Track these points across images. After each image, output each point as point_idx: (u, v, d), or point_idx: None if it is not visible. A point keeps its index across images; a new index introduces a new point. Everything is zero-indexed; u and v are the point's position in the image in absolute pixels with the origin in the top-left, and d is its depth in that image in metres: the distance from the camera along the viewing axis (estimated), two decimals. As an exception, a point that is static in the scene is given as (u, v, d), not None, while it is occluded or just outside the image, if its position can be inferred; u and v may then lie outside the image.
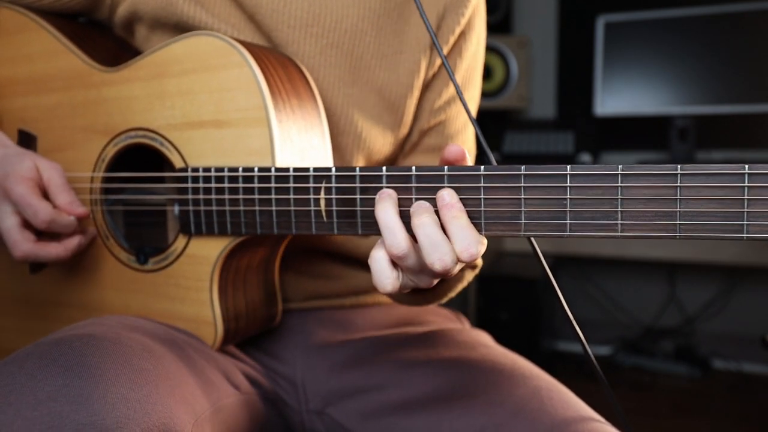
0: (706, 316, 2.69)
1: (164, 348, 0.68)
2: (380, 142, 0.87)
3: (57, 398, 0.54)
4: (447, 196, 0.59)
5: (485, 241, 0.60)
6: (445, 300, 0.82)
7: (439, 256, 0.57)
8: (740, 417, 2.21)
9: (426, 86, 0.89)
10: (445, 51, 0.86)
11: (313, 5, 0.81)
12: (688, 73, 2.45)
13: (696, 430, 2.12)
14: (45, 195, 0.78)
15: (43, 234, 0.79)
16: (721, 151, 2.58)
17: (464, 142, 0.92)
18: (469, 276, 0.81)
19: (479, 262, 0.80)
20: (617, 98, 2.55)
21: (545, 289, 2.43)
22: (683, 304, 2.72)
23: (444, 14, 0.86)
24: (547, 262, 0.69)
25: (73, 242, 0.79)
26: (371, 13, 0.83)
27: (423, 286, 0.63)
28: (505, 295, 2.36)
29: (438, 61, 0.87)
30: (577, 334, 0.71)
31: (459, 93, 0.67)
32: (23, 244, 0.76)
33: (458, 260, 0.58)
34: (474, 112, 0.93)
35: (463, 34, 0.88)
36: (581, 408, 0.75)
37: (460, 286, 0.81)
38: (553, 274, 0.70)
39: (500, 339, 0.94)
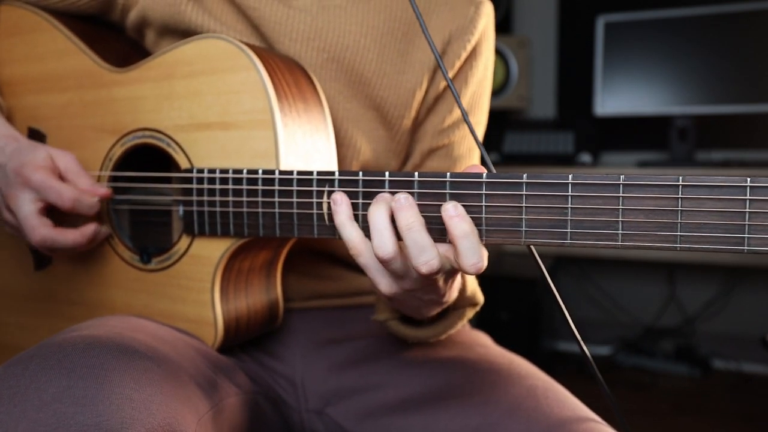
0: (706, 316, 2.70)
1: (167, 348, 0.68)
2: (376, 155, 0.87)
3: (62, 399, 0.54)
4: (451, 209, 0.59)
5: (486, 252, 0.60)
6: (444, 336, 0.82)
7: (425, 259, 0.58)
8: (740, 417, 2.22)
9: (429, 109, 0.89)
10: (450, 75, 0.86)
11: (316, 20, 0.82)
12: (688, 73, 2.45)
13: (696, 430, 2.13)
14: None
15: (60, 223, 0.80)
16: (721, 151, 2.58)
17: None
18: (470, 313, 0.81)
19: (480, 299, 0.81)
20: (617, 98, 2.55)
21: (545, 289, 2.43)
22: (683, 304, 2.72)
23: (450, 40, 0.86)
24: (547, 263, 0.70)
25: (89, 228, 0.79)
26: (374, 31, 0.84)
27: (407, 287, 0.64)
28: (505, 295, 2.36)
29: (442, 85, 0.87)
30: (576, 334, 0.72)
31: (466, 118, 0.67)
32: (41, 229, 0.76)
33: (465, 272, 0.59)
34: (480, 136, 0.93)
35: (468, 60, 0.88)
36: (578, 407, 0.75)
37: (460, 323, 0.81)
38: (553, 275, 0.70)
39: (500, 339, 0.95)
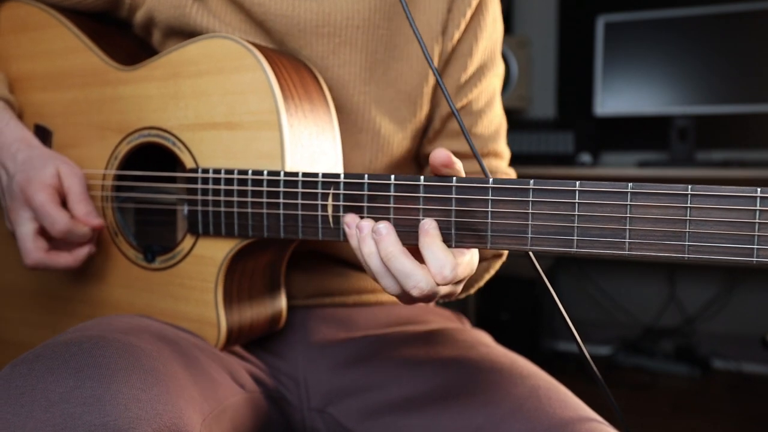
0: (706, 316, 2.70)
1: (171, 348, 0.68)
2: (399, 136, 0.87)
3: (69, 399, 0.54)
4: (426, 224, 0.61)
5: (460, 261, 0.61)
6: (473, 291, 0.84)
7: (413, 283, 0.59)
8: (740, 417, 2.22)
9: (442, 73, 0.88)
10: (457, 36, 0.86)
11: (323, 5, 0.81)
12: (688, 73, 2.45)
13: (696, 430, 2.13)
14: (64, 202, 0.80)
15: (56, 240, 0.81)
16: (720, 151, 2.59)
17: (491, 122, 0.92)
18: (497, 265, 0.83)
19: (505, 251, 0.82)
20: (617, 98, 2.55)
21: (545, 290, 2.44)
22: (683, 304, 2.72)
23: None
24: (546, 262, 0.70)
25: (82, 252, 0.81)
26: (383, 3, 0.83)
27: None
28: (505, 295, 2.36)
29: (450, 45, 0.87)
30: (575, 335, 0.72)
31: (457, 117, 0.68)
32: (35, 253, 0.79)
33: (436, 283, 0.60)
34: (500, 85, 0.94)
35: (475, 16, 0.87)
36: (580, 407, 0.75)
37: (486, 276, 0.83)
38: (552, 274, 0.71)
39: (500, 339, 0.95)
